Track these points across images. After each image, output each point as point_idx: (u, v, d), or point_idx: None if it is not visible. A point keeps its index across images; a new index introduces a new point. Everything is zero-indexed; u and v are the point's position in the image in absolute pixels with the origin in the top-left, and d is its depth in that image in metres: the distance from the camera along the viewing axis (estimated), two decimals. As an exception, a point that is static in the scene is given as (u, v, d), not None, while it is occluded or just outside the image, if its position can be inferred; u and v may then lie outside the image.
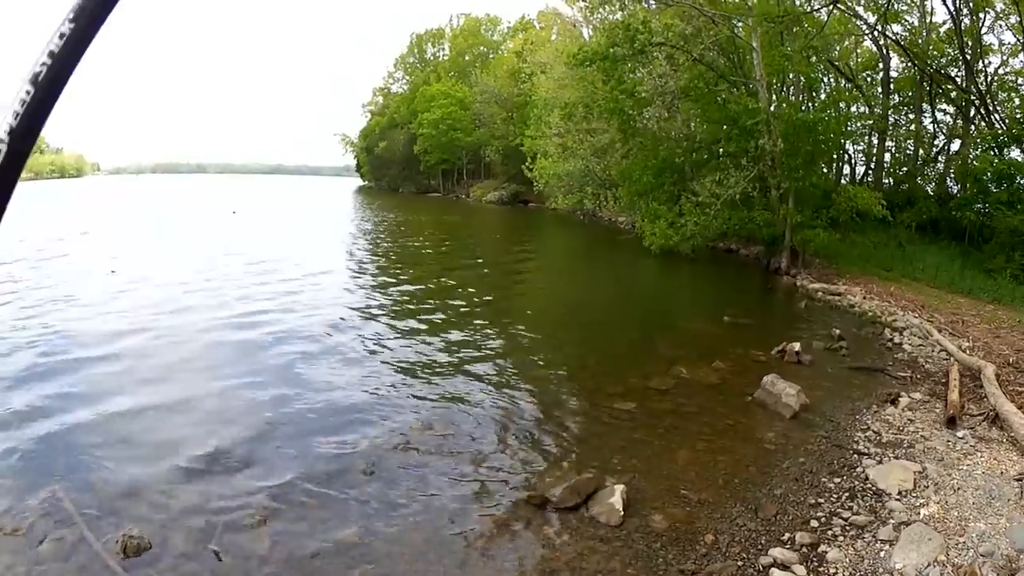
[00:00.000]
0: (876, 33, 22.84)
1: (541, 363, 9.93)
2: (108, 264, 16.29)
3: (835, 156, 23.74)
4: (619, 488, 5.67)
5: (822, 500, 5.68)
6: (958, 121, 23.01)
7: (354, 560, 4.86)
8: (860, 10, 22.22)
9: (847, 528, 5.21)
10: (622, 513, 5.39)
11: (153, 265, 16.76)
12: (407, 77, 77.58)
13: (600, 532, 5.25)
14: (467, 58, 67.18)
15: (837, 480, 6.04)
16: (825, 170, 21.69)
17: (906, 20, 22.76)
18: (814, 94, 23.94)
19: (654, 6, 22.57)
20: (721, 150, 20.51)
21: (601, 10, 28.80)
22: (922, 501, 5.46)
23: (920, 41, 22.29)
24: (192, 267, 16.25)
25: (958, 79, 21.85)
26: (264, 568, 4.76)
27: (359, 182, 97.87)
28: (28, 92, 0.75)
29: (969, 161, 20.39)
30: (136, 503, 5.55)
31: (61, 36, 0.76)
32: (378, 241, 26.64)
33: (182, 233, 25.70)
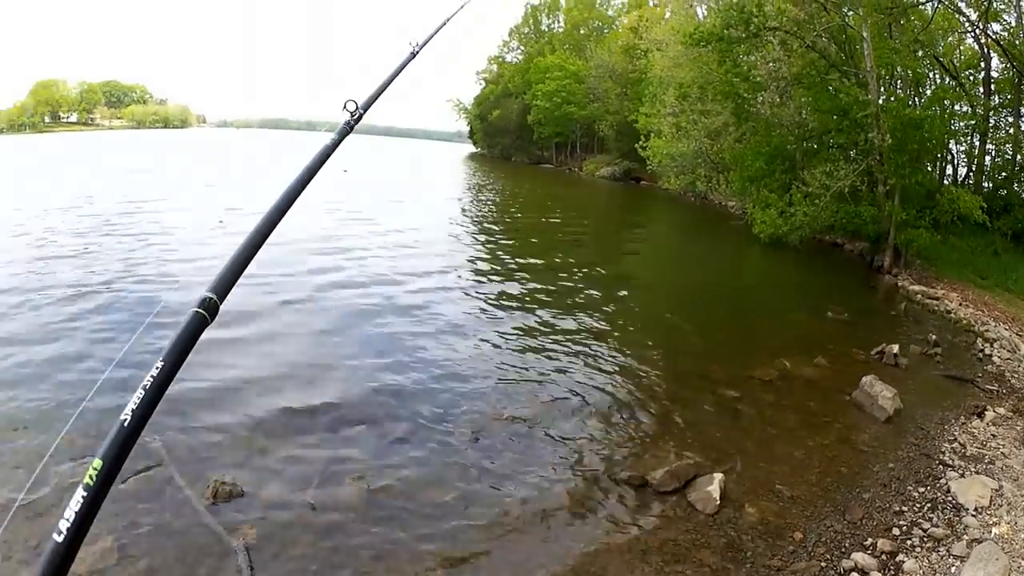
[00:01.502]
0: (977, 31, 22.04)
1: (647, 343, 10.20)
2: (217, 215, 17.65)
3: (938, 155, 23.11)
4: (718, 477, 5.75)
5: (906, 509, 5.71)
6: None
7: (450, 526, 5.03)
8: (963, 5, 21.47)
9: (925, 540, 5.23)
10: (718, 502, 5.47)
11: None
12: (521, 47, 77.86)
13: (695, 519, 5.36)
14: (582, 31, 67.33)
15: (921, 490, 6.06)
16: (929, 168, 21.25)
17: (1005, 19, 21.70)
18: (920, 89, 23.40)
19: None
20: (831, 141, 20.55)
21: (716, -11, 28.73)
22: (995, 520, 5.43)
23: (1018, 42, 21.35)
24: (314, 226, 16.55)
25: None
26: (357, 524, 4.93)
27: (470, 148, 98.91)
28: (139, 397, 1.04)
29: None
30: (232, 452, 5.80)
31: (156, 370, 1.07)
32: (491, 210, 27.73)
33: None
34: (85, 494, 0.92)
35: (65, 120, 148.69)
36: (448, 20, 3.96)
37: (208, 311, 1.22)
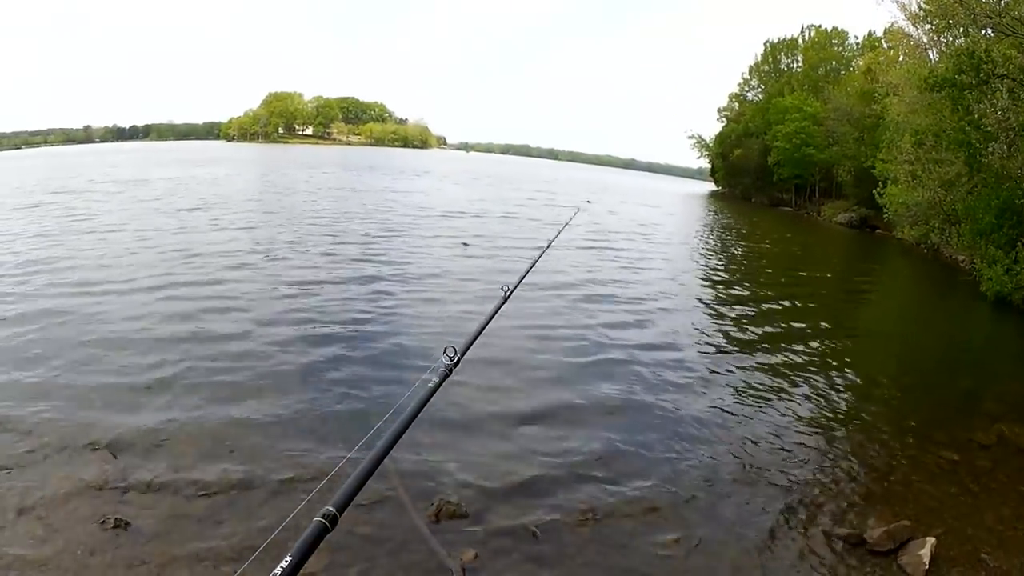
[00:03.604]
0: None
1: (867, 396, 10.17)
2: (460, 240, 20.14)
3: None
4: (930, 541, 5.67)
5: None
6: None
7: (670, 567, 5.10)
8: None
9: None
10: (927, 567, 5.40)
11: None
12: (761, 85, 77.68)
13: None
14: (820, 71, 66.13)
15: None
16: None
17: None
18: None
19: (992, 34, 22.05)
20: (1054, 196, 19.76)
21: (946, 34, 28.27)
22: None
23: None
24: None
25: None
26: (578, 558, 5.03)
27: (710, 186, 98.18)
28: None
29: None
30: (460, 472, 5.96)
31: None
32: (722, 248, 29.16)
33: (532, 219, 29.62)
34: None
35: (300, 132, 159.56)
36: (535, 263, 5.08)
37: (329, 521, 1.33)
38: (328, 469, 5.38)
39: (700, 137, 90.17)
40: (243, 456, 5.97)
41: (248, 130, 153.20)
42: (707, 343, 11.95)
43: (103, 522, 4.80)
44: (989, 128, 21.50)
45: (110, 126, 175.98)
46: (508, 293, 2.26)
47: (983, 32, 23.09)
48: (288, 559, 1.15)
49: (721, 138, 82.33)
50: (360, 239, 19.21)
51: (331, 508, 1.37)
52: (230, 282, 12.81)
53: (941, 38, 30.01)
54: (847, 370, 11.33)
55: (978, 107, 21.59)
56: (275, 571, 1.10)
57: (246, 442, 6.28)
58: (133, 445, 6.05)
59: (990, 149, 22.91)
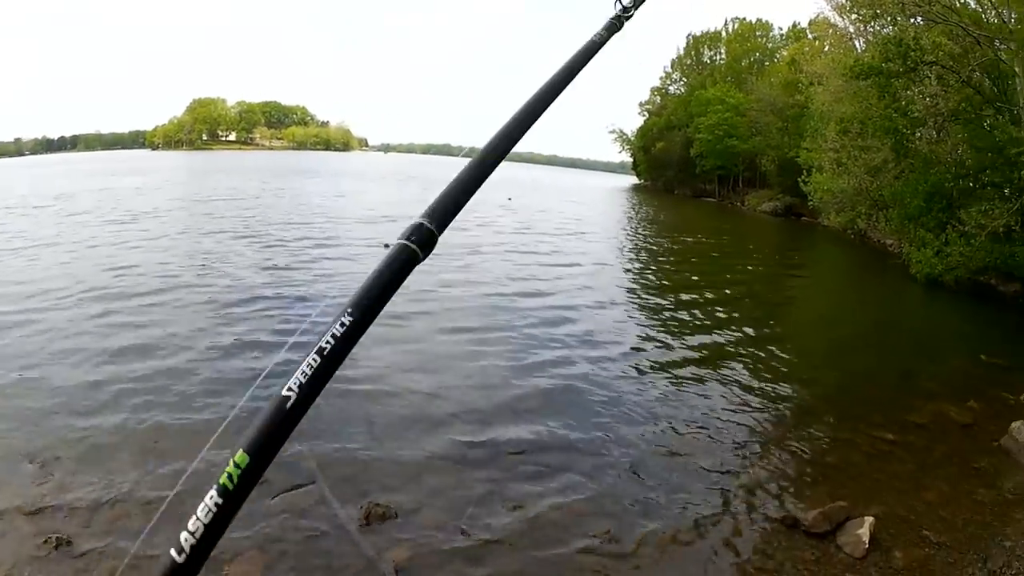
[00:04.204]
0: None
1: (802, 379, 10.22)
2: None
3: None
4: (868, 520, 5.67)
5: None
6: None
7: (603, 557, 5.10)
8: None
9: None
10: (867, 546, 5.41)
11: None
12: (684, 79, 78.49)
13: (843, 562, 5.34)
14: (743, 63, 67.27)
15: None
16: None
17: None
18: None
19: (922, 22, 22.33)
20: (986, 179, 20.33)
21: (873, 24, 28.56)
22: None
23: None
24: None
25: None
26: (510, 554, 4.98)
27: (632, 179, 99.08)
28: (313, 363, 0.82)
29: None
30: (387, 474, 5.89)
31: (341, 324, 0.85)
32: (650, 241, 28.94)
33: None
34: (220, 501, 0.73)
35: (224, 138, 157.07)
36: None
37: (421, 245, 0.97)
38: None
39: (621, 132, 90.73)
40: (176, 464, 5.76)
41: (173, 138, 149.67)
42: (640, 336, 11.89)
43: (46, 541, 4.70)
44: (917, 114, 21.80)
45: (39, 138, 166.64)
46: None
47: (912, 20, 23.37)
48: (348, 313, 0.85)
49: (643, 132, 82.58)
50: (289, 246, 18.31)
51: (424, 222, 0.99)
52: (162, 293, 12.21)
53: (868, 27, 30.39)
54: (781, 356, 11.40)
55: (906, 94, 21.89)
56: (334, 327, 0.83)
57: (179, 449, 6.10)
58: (69, 459, 5.88)
59: (918, 135, 23.36)
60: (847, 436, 7.99)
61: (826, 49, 39.10)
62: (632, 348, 10.98)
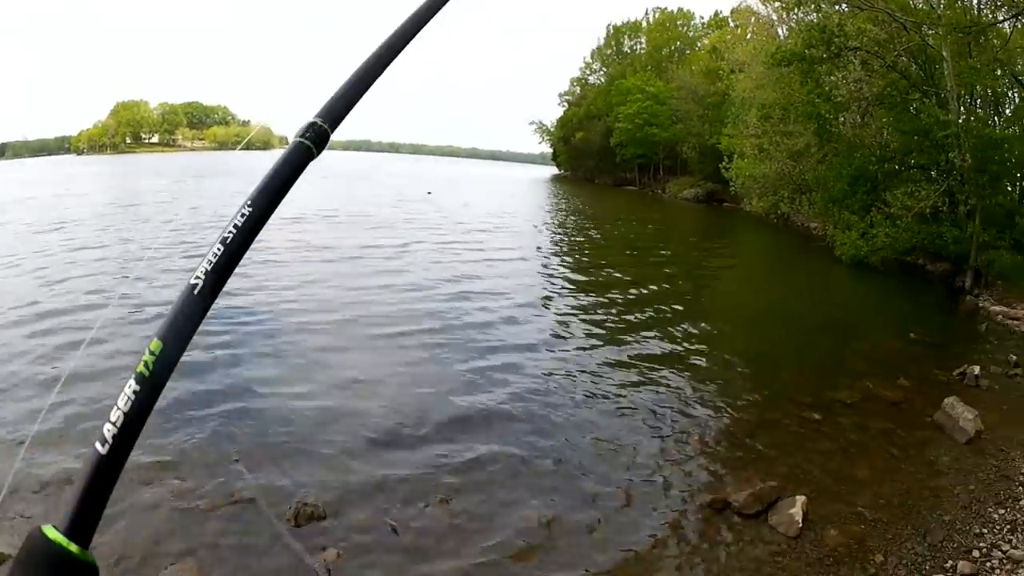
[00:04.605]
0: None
1: (730, 365, 10.33)
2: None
3: (1020, 176, 22.40)
4: (800, 499, 5.69)
5: (985, 531, 5.65)
6: None
7: (532, 547, 5.07)
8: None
9: (1004, 561, 5.18)
10: (800, 525, 5.43)
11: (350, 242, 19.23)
12: (604, 68, 78.57)
13: (777, 542, 5.33)
14: (664, 52, 67.64)
15: (1002, 511, 6.00)
16: (1010, 189, 20.77)
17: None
18: (1000, 109, 22.73)
19: (847, 9, 22.25)
20: (912, 162, 20.49)
21: (796, 11, 28.66)
22: None
23: None
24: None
25: None
26: (440, 546, 4.97)
27: (552, 170, 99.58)
28: (217, 252, 0.83)
29: None
30: (315, 473, 5.86)
31: (242, 215, 0.86)
32: (575, 231, 28.42)
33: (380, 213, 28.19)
34: (138, 388, 0.74)
35: (147, 141, 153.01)
36: None
37: (315, 142, 0.97)
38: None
39: (541, 123, 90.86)
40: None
41: (97, 142, 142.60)
42: (565, 326, 11.73)
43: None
44: (841, 99, 21.75)
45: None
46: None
47: (837, 7, 23.46)
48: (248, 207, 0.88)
49: (563, 122, 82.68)
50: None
51: (317, 120, 0.98)
52: (87, 309, 11.00)
53: (791, 15, 30.24)
54: (707, 340, 11.50)
55: (829, 80, 21.79)
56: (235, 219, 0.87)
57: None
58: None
59: (841, 119, 23.40)
60: (776, 417, 7.98)
61: (748, 37, 39.36)
62: (557, 337, 10.86)
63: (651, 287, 15.67)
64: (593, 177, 74.29)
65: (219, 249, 0.84)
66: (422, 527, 5.18)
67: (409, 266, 16.08)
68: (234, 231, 0.86)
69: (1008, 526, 5.77)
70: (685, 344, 11.02)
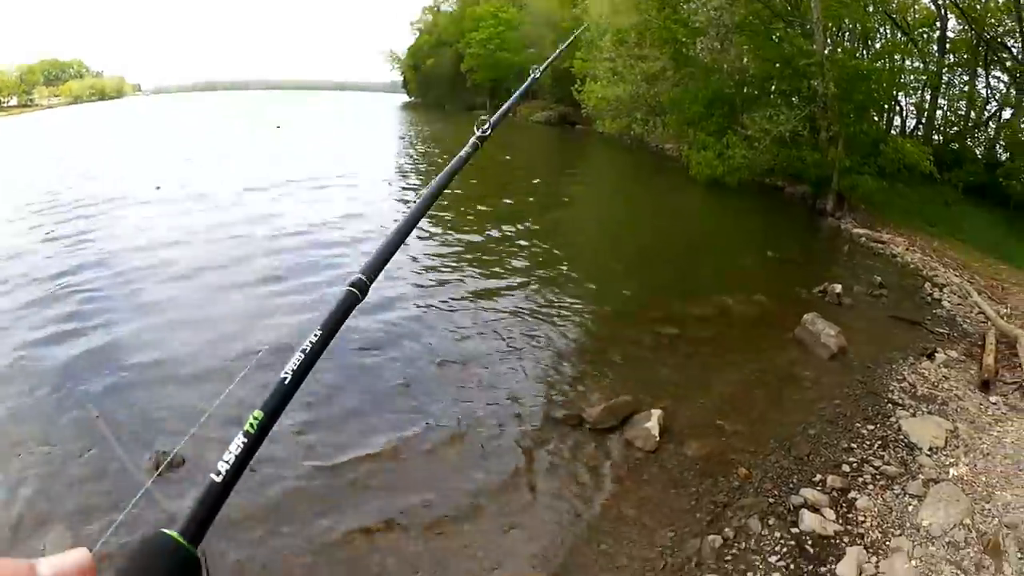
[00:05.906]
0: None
1: (583, 285, 10.14)
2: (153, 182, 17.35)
3: (886, 107, 23.50)
4: (656, 413, 5.69)
5: (854, 446, 5.67)
6: (1011, 91, 22.75)
7: (389, 472, 5.07)
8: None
9: (877, 477, 5.21)
10: (658, 439, 5.45)
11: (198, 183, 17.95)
12: (457, -4, 76.62)
13: (635, 456, 5.34)
14: (518, -22, 66.15)
15: (870, 427, 5.99)
16: (876, 119, 21.59)
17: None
18: (869, 43, 23.67)
19: None
20: (773, 87, 20.68)
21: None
22: (952, 461, 5.39)
23: (979, 6, 21.92)
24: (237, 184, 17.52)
25: (1014, 49, 21.69)
26: (299, 479, 4.97)
27: (403, 98, 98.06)
28: (286, 376, 1.00)
29: (1020, 131, 20.56)
30: (170, 420, 5.70)
31: (309, 343, 1.05)
32: (423, 160, 27.24)
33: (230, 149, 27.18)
34: (245, 440, 0.91)
35: (6, 104, 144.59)
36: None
37: (360, 289, 1.26)
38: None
39: (392, 52, 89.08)
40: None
41: None
42: (422, 257, 11.07)
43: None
44: (698, 25, 21.67)
45: None
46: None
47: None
48: (318, 331, 1.09)
49: (413, 50, 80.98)
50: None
51: (360, 276, 1.26)
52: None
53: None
54: (561, 260, 11.42)
55: (688, 7, 21.89)
56: (303, 345, 1.06)
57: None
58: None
59: (699, 45, 23.30)
60: (630, 333, 7.99)
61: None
62: (415, 271, 10.30)
63: (506, 209, 15.54)
64: (443, 104, 72.81)
65: (287, 375, 1.01)
66: (278, 461, 5.07)
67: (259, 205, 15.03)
68: (302, 356, 1.05)
69: (879, 442, 5.77)
70: (534, 267, 10.88)
